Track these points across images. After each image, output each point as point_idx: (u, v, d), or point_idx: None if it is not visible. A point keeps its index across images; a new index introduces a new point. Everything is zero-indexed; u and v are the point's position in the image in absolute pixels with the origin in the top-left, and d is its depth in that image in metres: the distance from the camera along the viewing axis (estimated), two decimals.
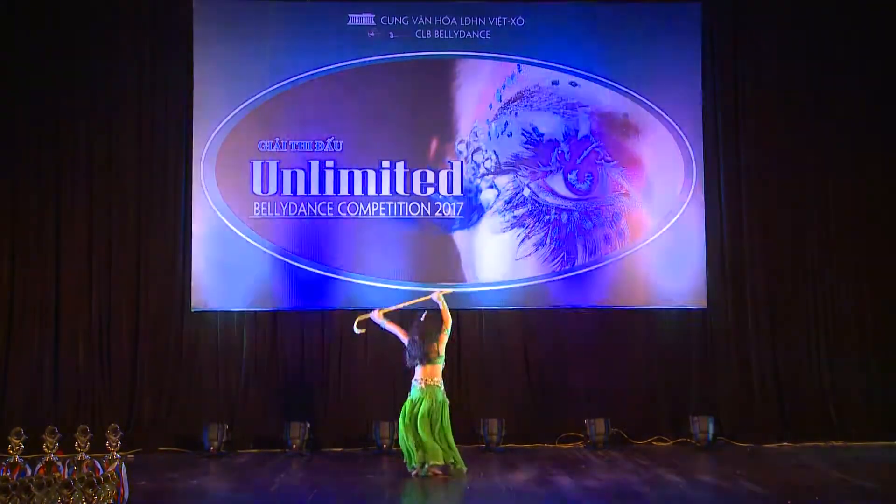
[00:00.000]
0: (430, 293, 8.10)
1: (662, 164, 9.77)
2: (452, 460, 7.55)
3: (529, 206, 9.71)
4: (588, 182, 9.77)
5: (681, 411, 9.56)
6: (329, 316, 9.63)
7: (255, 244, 9.47)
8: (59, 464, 5.82)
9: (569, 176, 9.77)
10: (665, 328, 9.79)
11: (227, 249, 9.45)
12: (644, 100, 9.76)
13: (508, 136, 9.76)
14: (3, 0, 9.55)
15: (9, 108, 9.52)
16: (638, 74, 9.77)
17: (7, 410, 9.11)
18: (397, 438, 7.80)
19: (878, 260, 9.85)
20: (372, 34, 9.71)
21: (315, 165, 9.59)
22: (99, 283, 9.46)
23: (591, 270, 9.67)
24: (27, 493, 5.19)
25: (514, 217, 9.70)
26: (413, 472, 7.51)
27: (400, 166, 9.65)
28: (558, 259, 9.67)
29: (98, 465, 6.00)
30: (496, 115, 9.75)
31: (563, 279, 9.66)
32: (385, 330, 7.94)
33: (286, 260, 9.49)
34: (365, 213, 9.60)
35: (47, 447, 5.87)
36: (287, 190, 9.57)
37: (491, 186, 9.73)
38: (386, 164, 9.64)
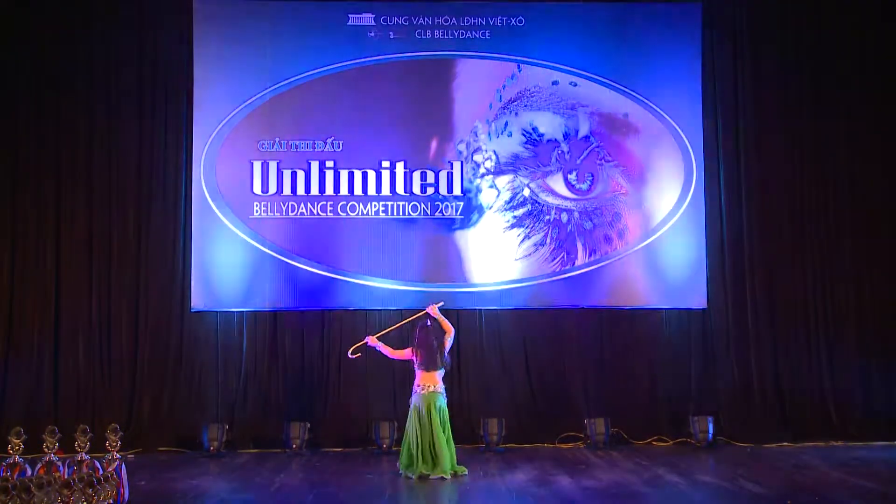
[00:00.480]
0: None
1: (662, 164, 9.78)
2: (453, 470, 7.53)
3: (529, 206, 9.71)
4: (588, 182, 9.77)
5: (681, 411, 9.56)
6: (329, 316, 9.64)
7: (256, 244, 9.47)
8: (59, 464, 5.83)
9: (569, 176, 9.77)
10: (665, 328, 9.80)
11: (228, 249, 9.45)
12: (644, 100, 9.76)
13: (508, 136, 9.76)
14: (4, 1, 9.55)
15: (9, 108, 9.53)
16: (638, 74, 9.78)
17: (7, 410, 9.11)
18: (398, 438, 7.80)
19: (878, 260, 9.86)
20: (372, 34, 9.71)
21: (315, 165, 9.59)
22: (99, 283, 9.47)
23: (591, 270, 9.67)
24: (27, 493, 5.19)
25: (514, 217, 9.70)
26: (403, 475, 7.54)
27: (400, 166, 9.65)
28: (558, 259, 9.67)
29: (98, 465, 6.01)
30: (496, 115, 9.75)
31: (563, 279, 9.66)
32: (381, 353, 7.87)
33: (286, 260, 9.49)
34: (365, 213, 9.60)
35: (47, 447, 5.88)
36: (287, 190, 9.56)
37: (491, 186, 9.73)
38: (386, 164, 9.64)
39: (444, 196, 9.68)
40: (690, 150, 9.76)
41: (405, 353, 7.73)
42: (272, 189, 9.56)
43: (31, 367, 9.29)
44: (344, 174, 9.61)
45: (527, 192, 9.73)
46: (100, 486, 5.75)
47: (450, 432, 7.59)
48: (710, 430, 9.17)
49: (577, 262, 9.67)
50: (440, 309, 7.84)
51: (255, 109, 9.58)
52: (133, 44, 9.64)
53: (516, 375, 9.74)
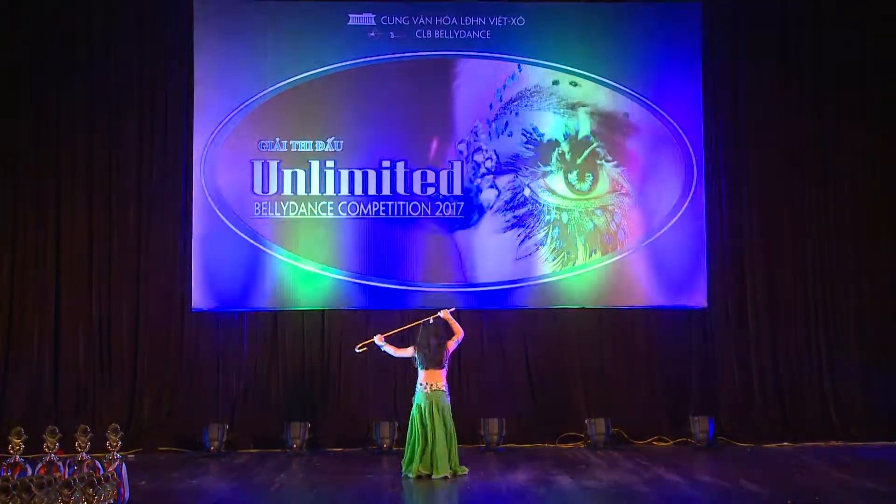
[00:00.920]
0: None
1: (662, 164, 9.77)
2: (453, 470, 7.53)
3: (530, 205, 9.71)
4: (588, 182, 9.77)
5: (681, 411, 9.56)
6: (329, 316, 9.63)
7: (256, 244, 9.47)
8: (60, 464, 5.82)
9: (569, 176, 9.77)
10: (665, 328, 9.80)
11: (228, 249, 9.45)
12: (644, 100, 9.76)
13: (509, 135, 9.76)
14: (4, 1, 9.54)
15: (9, 108, 9.52)
16: (638, 74, 9.77)
17: (7, 410, 9.11)
18: (398, 438, 7.79)
19: (878, 260, 9.86)
20: (372, 34, 9.71)
21: (315, 165, 9.59)
22: (99, 283, 9.47)
23: (591, 270, 9.66)
24: (27, 493, 5.19)
25: (515, 217, 9.70)
26: (405, 476, 7.54)
27: (400, 166, 9.65)
28: (558, 259, 9.67)
29: (98, 465, 6.00)
30: (496, 114, 9.75)
31: (563, 279, 9.66)
32: (388, 354, 7.86)
33: (286, 260, 9.49)
34: (365, 212, 9.60)
35: (47, 447, 5.87)
36: (287, 190, 9.56)
37: (491, 186, 9.73)
38: (386, 163, 9.64)
39: (444, 196, 9.68)
40: (691, 150, 9.75)
41: (407, 351, 7.75)
42: (272, 189, 9.56)
43: (31, 367, 9.30)
44: (344, 174, 9.61)
45: (527, 192, 9.72)
46: (100, 486, 5.74)
47: (453, 430, 7.58)
48: (710, 430, 9.17)
49: (578, 262, 9.67)
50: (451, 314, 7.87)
51: (256, 109, 9.57)
52: (133, 44, 9.64)
53: (516, 375, 9.74)
